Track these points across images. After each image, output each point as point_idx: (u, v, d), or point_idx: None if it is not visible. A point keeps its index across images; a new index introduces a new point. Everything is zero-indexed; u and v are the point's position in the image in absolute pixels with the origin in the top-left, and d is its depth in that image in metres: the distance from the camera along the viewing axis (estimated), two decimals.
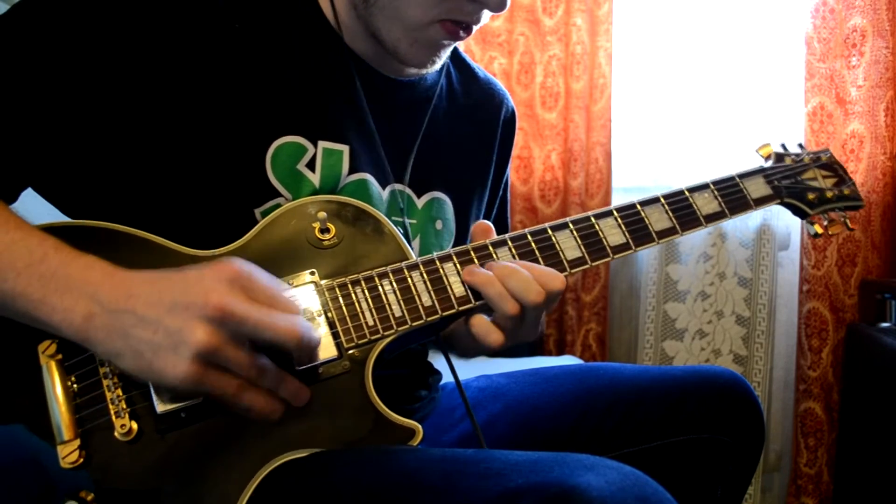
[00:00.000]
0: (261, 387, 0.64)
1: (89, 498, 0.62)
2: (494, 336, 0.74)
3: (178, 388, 0.61)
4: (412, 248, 0.86)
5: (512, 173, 2.24)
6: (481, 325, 0.74)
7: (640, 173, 2.20)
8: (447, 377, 0.99)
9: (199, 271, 0.62)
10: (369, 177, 0.83)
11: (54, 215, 0.79)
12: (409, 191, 0.88)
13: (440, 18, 0.77)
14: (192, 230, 0.74)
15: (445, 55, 0.86)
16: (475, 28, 0.80)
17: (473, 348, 0.82)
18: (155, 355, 0.60)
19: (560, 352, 2.23)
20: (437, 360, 0.99)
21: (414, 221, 0.87)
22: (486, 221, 0.81)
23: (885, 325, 1.80)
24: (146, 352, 0.60)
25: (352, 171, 0.81)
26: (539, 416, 0.91)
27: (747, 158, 0.94)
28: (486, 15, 0.79)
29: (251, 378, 0.63)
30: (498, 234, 0.80)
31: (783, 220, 2.06)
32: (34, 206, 0.79)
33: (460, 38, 0.81)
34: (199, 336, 0.58)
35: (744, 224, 2.09)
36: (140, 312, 0.61)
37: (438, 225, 0.90)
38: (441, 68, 0.95)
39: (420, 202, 0.89)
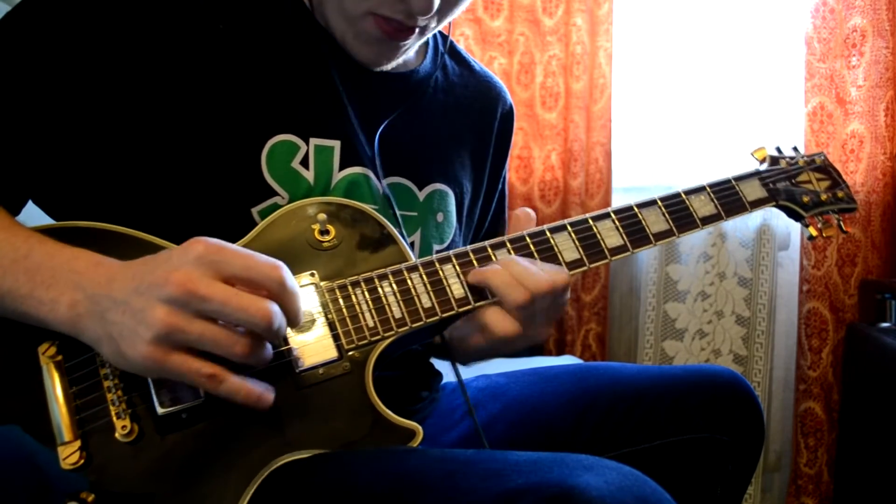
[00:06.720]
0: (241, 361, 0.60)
1: (90, 499, 0.62)
2: (508, 323, 0.75)
3: (143, 371, 0.60)
4: (413, 241, 0.86)
5: (512, 173, 2.24)
6: (494, 314, 0.75)
7: (640, 173, 2.20)
8: (447, 377, 0.99)
9: (169, 251, 0.62)
10: (362, 171, 0.83)
11: (47, 218, 0.79)
12: (410, 183, 0.88)
13: (371, 11, 0.76)
14: (189, 231, 0.73)
15: (401, 55, 0.83)
16: (419, 30, 0.78)
17: (476, 351, 0.83)
18: (121, 338, 0.59)
19: (560, 352, 2.23)
20: (438, 360, 0.99)
21: (415, 214, 0.87)
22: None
23: (885, 325, 1.81)
24: (115, 335, 0.59)
25: (343, 166, 0.81)
26: (539, 416, 0.91)
27: (747, 158, 0.94)
28: (426, 19, 0.76)
29: (228, 354, 0.59)
30: (498, 230, 0.81)
31: (783, 221, 2.06)
32: (33, 209, 0.79)
33: (402, 39, 0.79)
34: (157, 316, 0.57)
35: (744, 224, 2.09)
36: (114, 295, 0.60)
37: (440, 217, 0.90)
38: (436, 61, 0.95)
39: (421, 195, 0.89)
